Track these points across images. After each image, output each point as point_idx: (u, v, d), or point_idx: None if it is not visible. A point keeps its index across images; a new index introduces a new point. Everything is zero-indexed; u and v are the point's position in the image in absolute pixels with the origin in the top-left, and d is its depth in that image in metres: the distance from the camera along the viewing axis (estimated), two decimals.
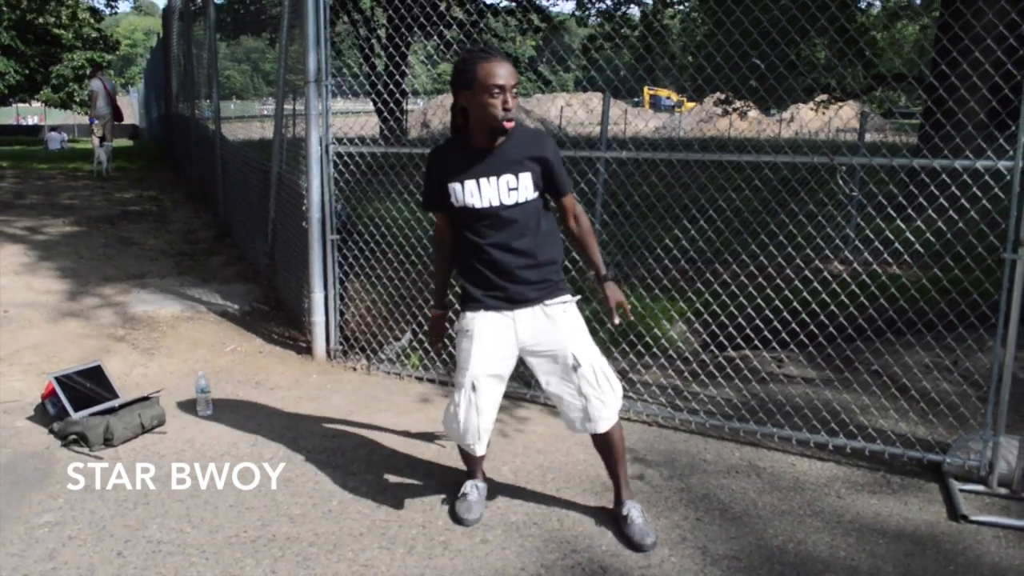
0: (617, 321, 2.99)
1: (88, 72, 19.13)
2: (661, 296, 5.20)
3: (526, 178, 2.80)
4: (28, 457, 3.58)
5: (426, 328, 3.19)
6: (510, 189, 2.79)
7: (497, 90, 2.65)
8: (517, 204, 2.80)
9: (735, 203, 5.46)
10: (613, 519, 3.09)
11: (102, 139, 13.61)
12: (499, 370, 2.92)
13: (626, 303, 3.02)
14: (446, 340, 3.22)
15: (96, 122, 13.76)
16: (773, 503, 3.31)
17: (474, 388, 2.87)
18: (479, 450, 3.01)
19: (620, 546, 2.96)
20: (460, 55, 2.79)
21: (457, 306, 3.02)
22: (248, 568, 2.77)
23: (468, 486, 3.21)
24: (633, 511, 3.02)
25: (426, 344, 4.89)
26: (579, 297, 3.02)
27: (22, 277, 6.35)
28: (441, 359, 4.58)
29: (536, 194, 2.84)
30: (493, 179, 2.79)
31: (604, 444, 3.02)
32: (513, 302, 2.88)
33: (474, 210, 2.81)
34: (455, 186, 2.82)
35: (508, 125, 2.70)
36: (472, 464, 3.23)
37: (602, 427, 2.91)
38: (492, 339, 2.88)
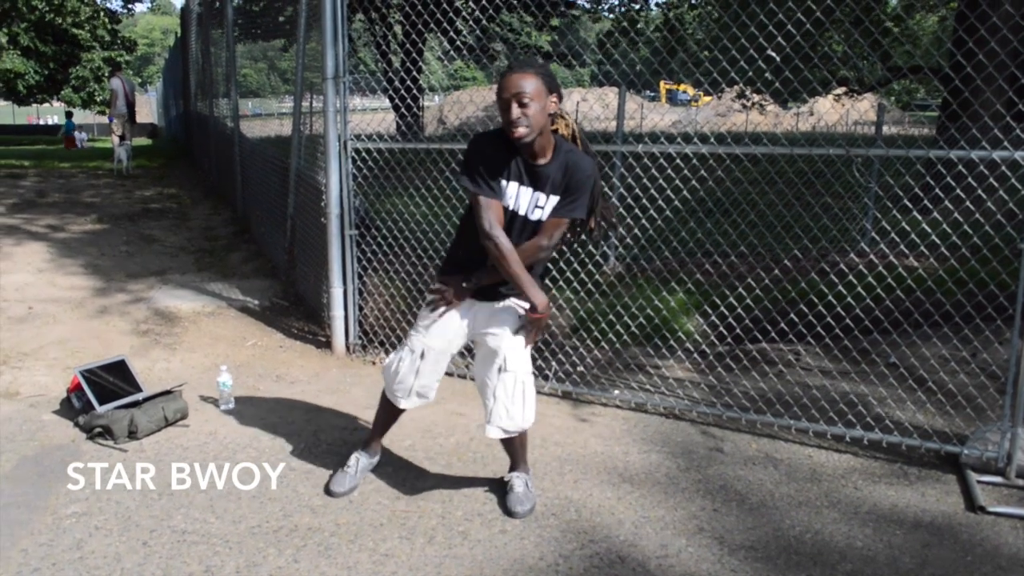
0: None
1: (107, 72, 19.20)
2: (678, 289, 5.21)
3: (553, 201, 2.86)
4: (54, 450, 3.64)
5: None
6: (536, 206, 2.86)
7: (503, 105, 2.71)
8: (539, 220, 2.88)
9: (751, 196, 5.46)
10: (500, 486, 3.30)
11: (122, 138, 13.74)
12: (450, 347, 3.10)
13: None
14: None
15: (115, 121, 13.89)
16: (790, 494, 3.33)
17: (423, 356, 3.06)
18: (402, 404, 3.17)
19: (638, 536, 2.99)
20: None
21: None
22: (271, 557, 2.82)
23: (352, 458, 3.38)
24: (517, 481, 3.23)
25: None
26: (521, 312, 3.05)
27: (46, 274, 6.44)
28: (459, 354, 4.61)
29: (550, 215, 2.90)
30: (529, 191, 2.85)
31: (504, 444, 3.21)
32: (483, 297, 3.00)
33: (503, 208, 2.87)
34: (502, 181, 2.85)
35: (516, 134, 2.70)
36: (378, 424, 3.37)
37: (492, 433, 3.02)
38: (454, 318, 3.03)
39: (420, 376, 3.09)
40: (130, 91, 14.24)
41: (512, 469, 3.30)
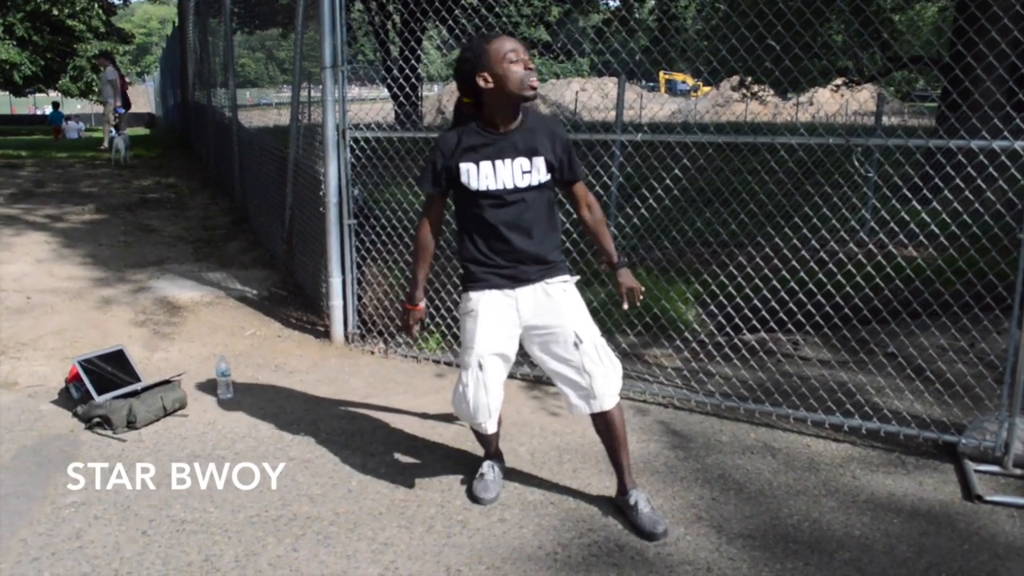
0: (626, 307, 3.10)
1: (98, 61, 18.71)
2: (676, 278, 5.21)
3: (539, 161, 2.84)
4: (53, 440, 3.65)
5: (404, 315, 3.11)
6: (524, 172, 2.83)
7: (513, 55, 2.71)
8: (530, 187, 2.84)
9: (750, 185, 5.45)
10: (618, 508, 3.08)
11: (117, 127, 13.71)
12: (503, 349, 2.93)
13: (639, 288, 3.10)
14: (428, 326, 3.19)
15: (123, 111, 13.86)
16: (788, 483, 3.33)
17: (481, 366, 2.89)
18: (490, 428, 3.02)
19: None
20: (463, 48, 2.83)
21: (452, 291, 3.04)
22: (270, 546, 2.82)
23: (485, 466, 3.25)
24: (640, 499, 3.00)
25: (443, 327, 4.93)
26: (578, 278, 3.05)
27: (44, 264, 6.43)
28: (459, 343, 4.62)
29: (548, 177, 2.87)
30: (508, 161, 2.82)
31: (606, 426, 2.98)
32: (516, 281, 2.91)
33: (487, 192, 2.83)
34: (469, 167, 2.83)
35: (535, 86, 2.76)
36: (487, 444, 3.26)
37: (608, 403, 2.89)
38: (496, 318, 2.91)
39: (489, 390, 2.90)
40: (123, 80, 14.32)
41: (623, 483, 3.06)
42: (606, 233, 3.10)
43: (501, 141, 2.82)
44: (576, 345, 2.85)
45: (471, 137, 2.85)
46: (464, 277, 3.00)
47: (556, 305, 2.90)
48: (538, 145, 2.83)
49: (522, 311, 2.92)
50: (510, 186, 2.83)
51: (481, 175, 2.83)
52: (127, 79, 14.22)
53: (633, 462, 3.48)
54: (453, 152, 2.86)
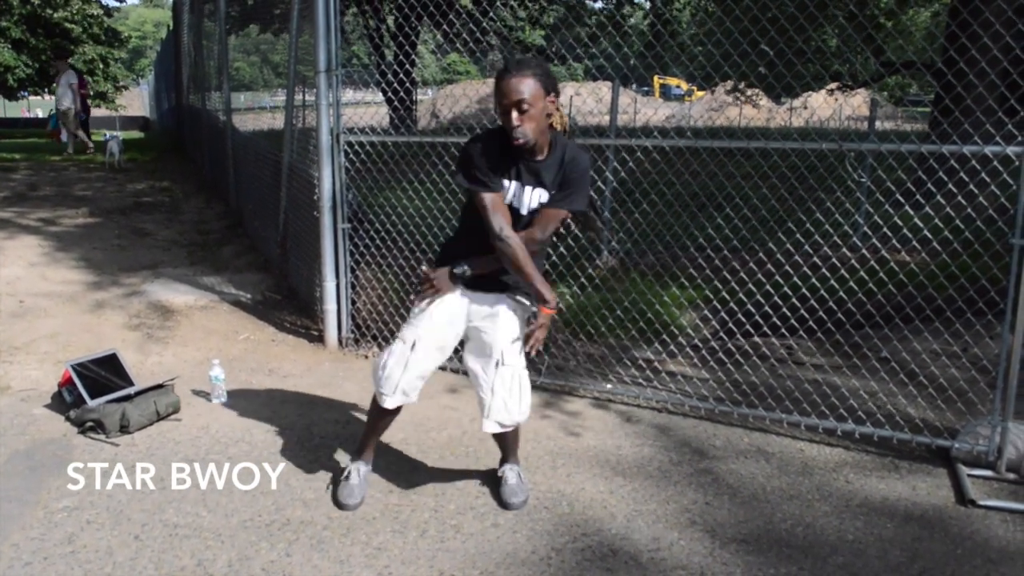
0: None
1: (55, 62, 17.85)
2: (671, 283, 5.22)
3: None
4: (46, 444, 3.63)
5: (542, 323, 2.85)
6: (540, 202, 2.87)
7: (503, 111, 2.70)
8: (535, 211, 2.89)
9: (744, 190, 5.46)
10: (493, 480, 3.31)
11: (84, 127, 13.81)
12: (443, 343, 3.01)
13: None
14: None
15: (84, 117, 13.96)
16: (782, 488, 3.34)
17: (413, 347, 2.95)
18: (388, 404, 3.00)
19: (630, 529, 3.00)
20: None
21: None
22: (263, 551, 2.82)
23: (351, 467, 3.24)
24: (510, 472, 3.23)
25: None
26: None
27: (37, 268, 6.41)
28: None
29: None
30: (529, 189, 2.85)
31: (497, 438, 3.19)
32: (482, 289, 2.98)
33: (509, 206, 2.87)
34: (503, 180, 2.85)
35: (518, 142, 2.72)
36: (370, 430, 3.23)
37: (490, 428, 2.97)
38: (448, 312, 2.98)
39: (408, 370, 2.95)
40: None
41: (504, 462, 3.29)
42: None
43: (533, 165, 2.83)
44: (497, 365, 2.92)
45: (508, 148, 2.79)
46: (439, 258, 3.06)
47: (498, 320, 2.95)
48: (556, 181, 2.85)
49: (472, 311, 3.00)
50: (525, 210, 2.87)
51: (511, 191, 2.86)
52: (87, 85, 14.54)
53: (627, 466, 3.49)
54: (493, 157, 2.81)
